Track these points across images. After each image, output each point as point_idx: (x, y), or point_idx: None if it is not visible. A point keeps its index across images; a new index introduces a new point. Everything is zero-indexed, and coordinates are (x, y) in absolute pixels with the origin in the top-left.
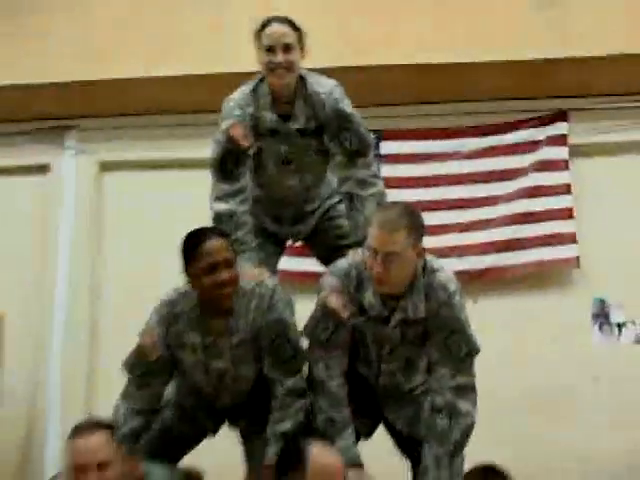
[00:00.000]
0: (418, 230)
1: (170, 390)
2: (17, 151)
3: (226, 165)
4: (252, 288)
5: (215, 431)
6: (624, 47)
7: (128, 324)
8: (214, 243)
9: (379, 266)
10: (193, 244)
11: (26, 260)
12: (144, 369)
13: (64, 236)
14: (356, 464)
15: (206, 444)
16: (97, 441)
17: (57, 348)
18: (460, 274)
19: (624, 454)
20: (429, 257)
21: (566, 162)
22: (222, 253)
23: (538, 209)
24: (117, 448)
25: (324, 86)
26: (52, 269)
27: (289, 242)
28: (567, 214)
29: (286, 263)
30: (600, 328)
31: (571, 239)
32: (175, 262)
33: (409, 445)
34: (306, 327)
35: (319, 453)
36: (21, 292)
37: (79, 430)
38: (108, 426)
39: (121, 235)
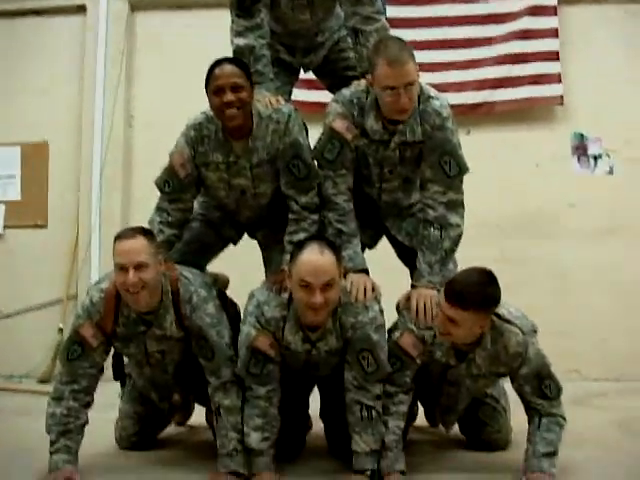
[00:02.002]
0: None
1: (197, 206)
2: None
3: (244, 2)
4: (270, 114)
5: (236, 241)
6: None
7: (158, 147)
8: (225, 68)
9: (405, 98)
10: (210, 68)
11: (66, 94)
12: (174, 186)
13: (100, 71)
14: (361, 269)
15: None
16: (136, 244)
17: (96, 172)
18: (456, 108)
19: (594, 268)
20: (424, 85)
21: (554, 8)
22: (230, 78)
23: (527, 51)
24: (155, 253)
25: None
26: (90, 102)
27: (302, 72)
28: (554, 56)
29: (299, 94)
30: (579, 160)
31: (556, 79)
32: (198, 92)
33: (409, 255)
34: (315, 149)
35: (309, 251)
36: (62, 122)
37: (121, 235)
38: (147, 232)
39: (151, 70)
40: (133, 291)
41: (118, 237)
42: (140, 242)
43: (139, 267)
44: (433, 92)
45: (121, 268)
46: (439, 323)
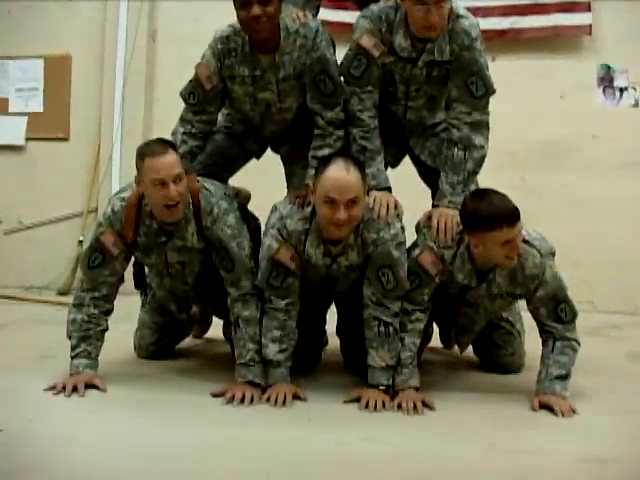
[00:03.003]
0: None
1: (222, 118)
2: None
3: None
4: (297, 29)
5: (260, 155)
6: None
7: (181, 62)
8: None
9: (435, 15)
10: None
11: (89, 6)
12: (199, 97)
13: None
14: (384, 187)
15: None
16: (171, 159)
17: (119, 85)
18: (482, 33)
19: (613, 201)
20: (454, 3)
21: None
22: None
23: None
24: (183, 164)
25: None
26: (113, 15)
27: None
28: None
29: (325, 14)
30: (604, 91)
31: (586, 7)
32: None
33: (431, 175)
34: (341, 65)
35: (334, 167)
36: (85, 35)
37: (154, 151)
38: (173, 145)
39: None
40: (173, 204)
41: (150, 154)
42: (173, 156)
43: (176, 180)
44: (463, 11)
45: (161, 183)
46: (509, 254)
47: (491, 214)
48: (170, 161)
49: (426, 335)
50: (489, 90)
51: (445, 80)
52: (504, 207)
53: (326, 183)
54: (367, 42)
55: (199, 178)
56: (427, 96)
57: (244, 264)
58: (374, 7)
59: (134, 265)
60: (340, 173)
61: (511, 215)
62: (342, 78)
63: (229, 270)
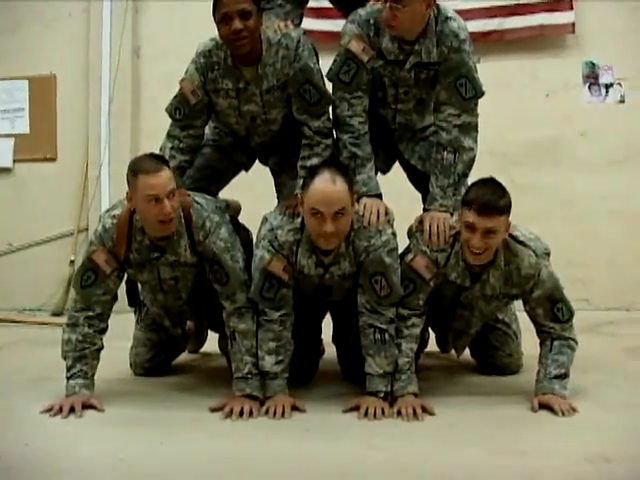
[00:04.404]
0: None
1: (209, 131)
2: None
3: None
4: (279, 39)
5: (248, 167)
6: None
7: (167, 78)
8: None
9: (389, 13)
10: None
11: (72, 26)
12: (185, 112)
13: (107, 1)
14: (374, 194)
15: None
16: (165, 175)
17: (105, 103)
18: None
19: (604, 197)
20: (442, 5)
21: None
22: (237, 5)
23: None
24: (174, 179)
25: None
26: (96, 33)
27: None
28: None
29: (307, 24)
30: (589, 88)
31: (568, 6)
32: (205, 20)
33: (421, 179)
34: (330, 71)
35: (321, 179)
36: (69, 55)
37: (148, 169)
38: (165, 160)
39: None
40: (167, 219)
41: (144, 170)
42: (167, 172)
43: (170, 195)
44: (451, 13)
45: (155, 200)
46: (470, 242)
47: (472, 194)
48: (164, 177)
49: (422, 340)
50: (478, 92)
51: (433, 82)
52: (485, 195)
53: (312, 195)
54: (356, 47)
55: (189, 192)
56: (416, 99)
57: (238, 277)
58: (362, 11)
59: (127, 283)
60: (326, 185)
61: (484, 204)
62: (331, 84)
63: (224, 284)
